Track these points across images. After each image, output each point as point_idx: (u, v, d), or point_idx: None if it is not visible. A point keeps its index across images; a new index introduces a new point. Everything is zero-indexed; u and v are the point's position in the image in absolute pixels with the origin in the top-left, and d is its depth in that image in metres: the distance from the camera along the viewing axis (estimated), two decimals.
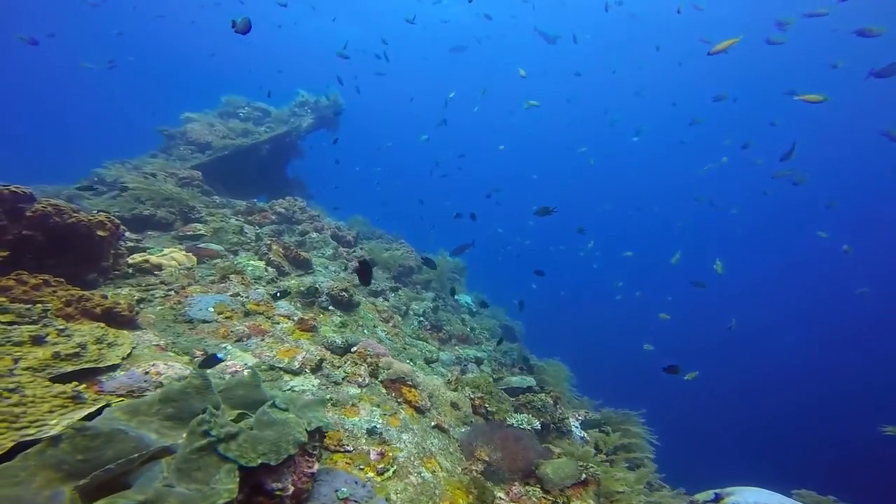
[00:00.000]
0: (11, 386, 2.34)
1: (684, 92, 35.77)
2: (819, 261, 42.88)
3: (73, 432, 1.99)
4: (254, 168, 13.19)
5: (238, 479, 2.10)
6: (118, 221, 5.31)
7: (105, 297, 3.93)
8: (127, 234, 6.31)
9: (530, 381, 7.32)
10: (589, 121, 40.98)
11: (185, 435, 2.21)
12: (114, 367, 3.29)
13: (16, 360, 2.68)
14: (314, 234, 9.08)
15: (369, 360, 5.11)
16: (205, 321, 4.73)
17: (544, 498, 4.10)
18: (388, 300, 7.89)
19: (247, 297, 5.45)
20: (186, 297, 5.03)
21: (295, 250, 7.08)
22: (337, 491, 2.90)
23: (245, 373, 2.81)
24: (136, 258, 5.75)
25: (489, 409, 5.61)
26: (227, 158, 12.10)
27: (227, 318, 4.92)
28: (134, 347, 3.60)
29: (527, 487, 4.25)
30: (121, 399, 3.05)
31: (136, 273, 5.46)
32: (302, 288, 6.06)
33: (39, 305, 3.43)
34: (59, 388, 2.51)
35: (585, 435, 6.54)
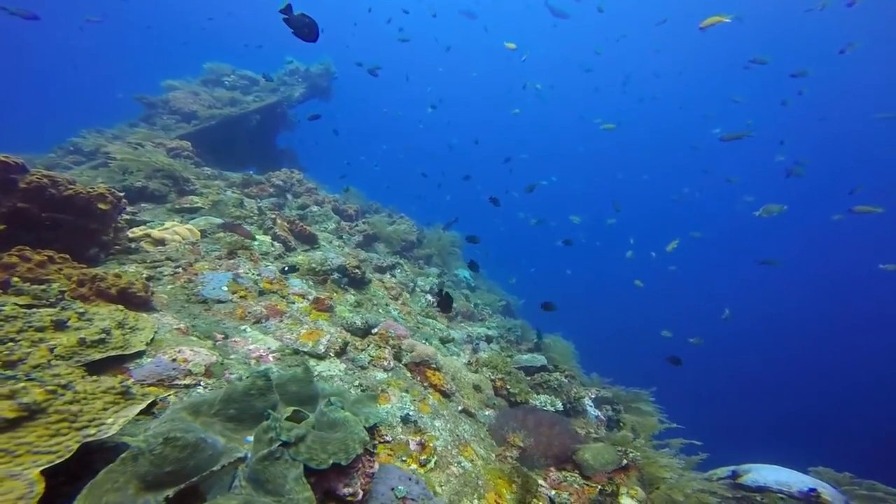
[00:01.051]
0: (63, 381, 2.10)
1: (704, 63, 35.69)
2: (841, 244, 43.57)
3: (163, 442, 1.81)
4: (243, 139, 12.68)
5: (309, 486, 1.93)
6: (120, 194, 4.96)
7: (119, 276, 3.63)
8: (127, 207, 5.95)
9: (541, 359, 7.23)
10: (601, 92, 40.56)
11: (251, 440, 2.03)
12: (139, 354, 3.04)
13: (51, 349, 2.42)
14: (315, 208, 8.76)
15: (391, 342, 4.92)
16: (220, 301, 4.46)
17: (587, 485, 4.00)
18: (395, 276, 7.67)
19: (258, 275, 5.18)
20: (196, 274, 4.74)
21: (300, 225, 6.78)
22: (394, 489, 2.74)
23: (298, 369, 2.60)
24: (137, 232, 5.41)
25: (511, 390, 5.49)
26: (215, 129, 11.56)
27: (241, 297, 4.66)
28: (156, 332, 3.34)
29: (563, 473, 4.15)
30: (152, 388, 2.81)
31: (139, 248, 5.14)
32: (314, 265, 5.80)
33: (56, 286, 3.14)
34: (106, 381, 2.26)
35: (600, 414, 6.50)
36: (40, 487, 1.65)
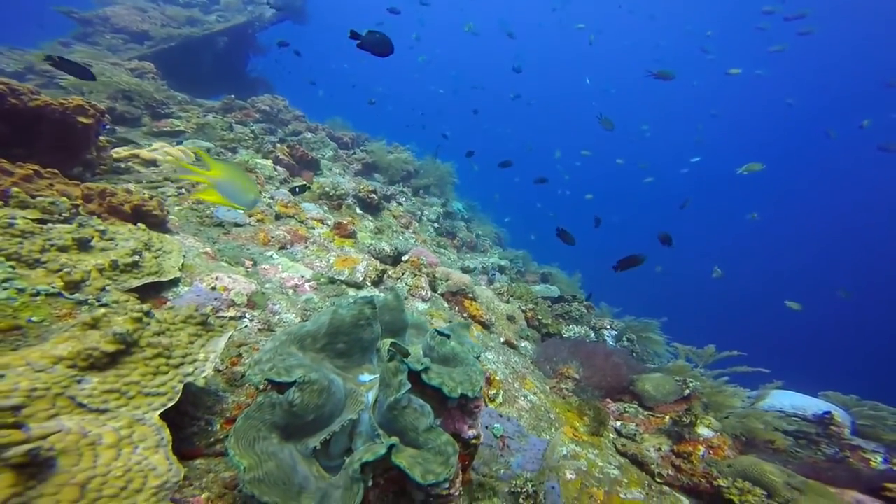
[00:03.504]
0: (144, 307, 1.62)
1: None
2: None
3: (301, 388, 1.46)
4: (209, 64, 11.40)
5: (442, 431, 1.61)
6: (102, 107, 4.20)
7: (129, 191, 3.04)
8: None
9: (554, 289, 7.00)
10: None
11: (364, 379, 1.73)
12: (175, 282, 2.53)
13: (101, 270, 1.90)
14: (309, 135, 8.01)
15: (425, 269, 4.51)
16: (237, 224, 3.92)
17: (653, 416, 3.80)
18: (401, 204, 7.15)
19: (271, 198, 4.61)
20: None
21: (301, 149, 6.11)
22: (488, 428, 2.46)
23: (389, 295, 2.19)
24: (122, 152, 4.69)
25: (542, 321, 5.21)
26: (175, 52, 10.22)
27: (259, 220, 4.12)
28: (184, 255, 2.81)
29: (621, 405, 3.94)
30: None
31: (130, 169, 4.46)
32: (327, 189, 5.23)
33: (66, 199, 2.54)
34: (182, 310, 1.78)
35: (617, 345, 6.37)
36: (167, 434, 1.28)
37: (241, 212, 4.03)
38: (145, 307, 1.62)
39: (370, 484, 1.44)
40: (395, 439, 1.50)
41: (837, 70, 34.85)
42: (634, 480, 3.17)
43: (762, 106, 43.76)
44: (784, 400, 5.55)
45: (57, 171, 3.30)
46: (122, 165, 4.40)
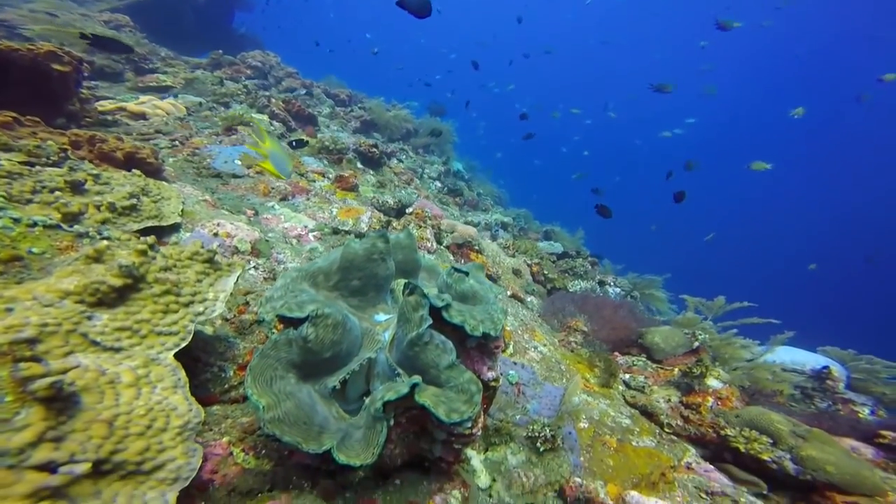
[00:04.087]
0: (150, 241, 1.54)
1: None
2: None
3: (314, 323, 1.38)
4: (190, 19, 10.84)
5: (464, 368, 1.54)
6: (78, 55, 3.95)
7: (120, 138, 2.88)
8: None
9: (558, 246, 6.93)
10: None
11: (380, 318, 1.70)
12: (175, 228, 2.42)
13: (98, 207, 1.79)
14: (303, 91, 7.74)
15: (430, 221, 4.40)
16: (235, 175, 3.78)
17: (662, 368, 3.77)
18: (402, 161, 6.98)
19: None
20: (198, 148, 3.98)
21: (297, 104, 5.90)
22: (504, 374, 2.43)
23: (401, 233, 2.10)
24: (108, 105, 4.49)
25: (548, 275, 5.15)
26: (149, 4, 9.64)
27: (258, 171, 3.97)
28: (183, 202, 2.69)
29: (629, 358, 3.91)
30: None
31: (118, 122, 4.26)
32: (326, 143, 5.06)
33: (53, 143, 2.39)
34: (188, 246, 1.70)
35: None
36: (183, 374, 1.24)
37: (239, 164, 3.89)
38: (150, 240, 1.52)
39: (392, 423, 1.38)
40: (417, 378, 1.42)
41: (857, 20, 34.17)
42: (645, 429, 3.16)
43: (769, 59, 43.00)
44: (784, 356, 5.63)
45: (38, 119, 3.13)
46: (110, 118, 4.21)
